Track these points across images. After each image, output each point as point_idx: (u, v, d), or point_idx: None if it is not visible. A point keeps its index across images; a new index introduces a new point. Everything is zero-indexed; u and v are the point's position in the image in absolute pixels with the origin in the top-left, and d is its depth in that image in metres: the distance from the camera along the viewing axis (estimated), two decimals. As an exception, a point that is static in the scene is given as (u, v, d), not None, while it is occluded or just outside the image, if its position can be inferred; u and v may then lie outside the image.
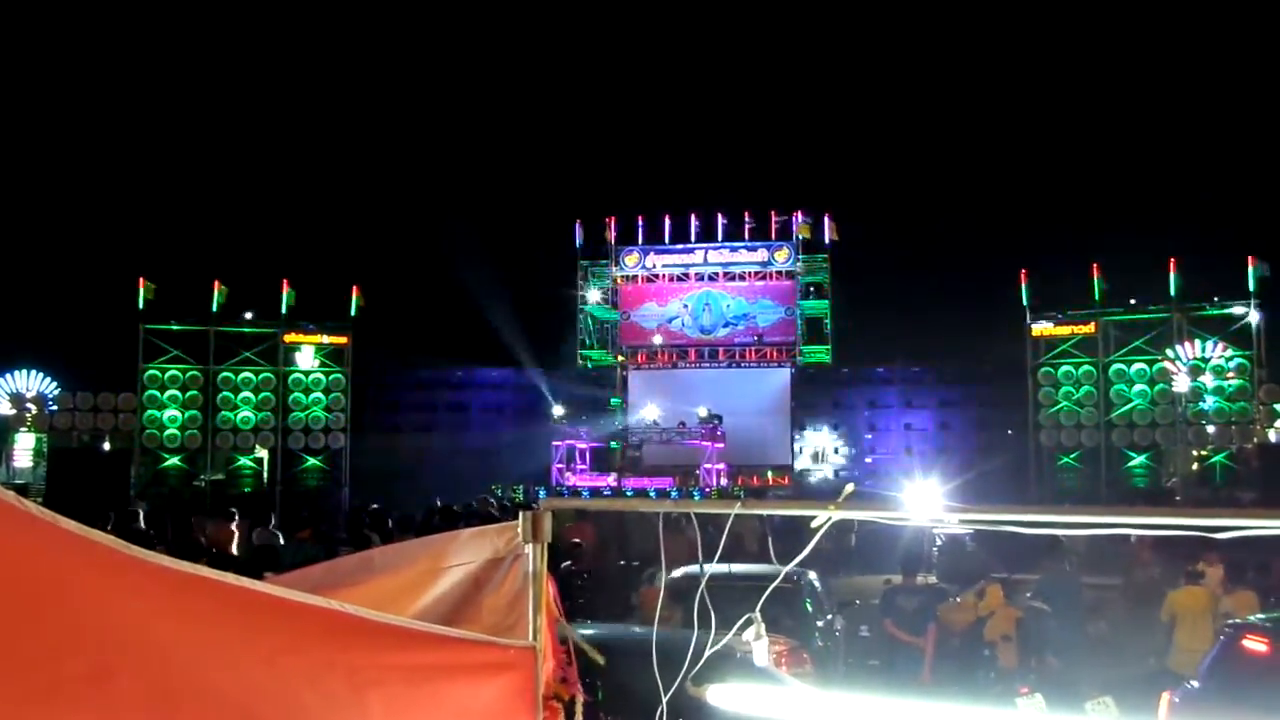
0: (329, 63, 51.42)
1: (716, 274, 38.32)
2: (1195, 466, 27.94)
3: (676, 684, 2.83)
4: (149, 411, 28.80)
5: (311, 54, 51.25)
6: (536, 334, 37.89)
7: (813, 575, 11.29)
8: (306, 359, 30.40)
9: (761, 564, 9.23)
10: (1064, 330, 28.95)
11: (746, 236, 38.17)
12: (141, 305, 28.65)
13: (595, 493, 29.79)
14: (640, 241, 38.63)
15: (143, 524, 14.65)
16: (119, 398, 28.81)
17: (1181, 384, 26.89)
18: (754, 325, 37.97)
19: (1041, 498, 26.87)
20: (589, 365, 38.82)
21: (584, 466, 31.94)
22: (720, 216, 38.01)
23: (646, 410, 33.58)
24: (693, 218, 38.27)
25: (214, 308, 29.42)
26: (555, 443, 32.08)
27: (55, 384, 30.44)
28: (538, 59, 54.49)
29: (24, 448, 29.21)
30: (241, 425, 29.69)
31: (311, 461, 30.32)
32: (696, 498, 27.41)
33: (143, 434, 28.66)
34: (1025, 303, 29.18)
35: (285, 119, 47.90)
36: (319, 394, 30.34)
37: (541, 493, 27.70)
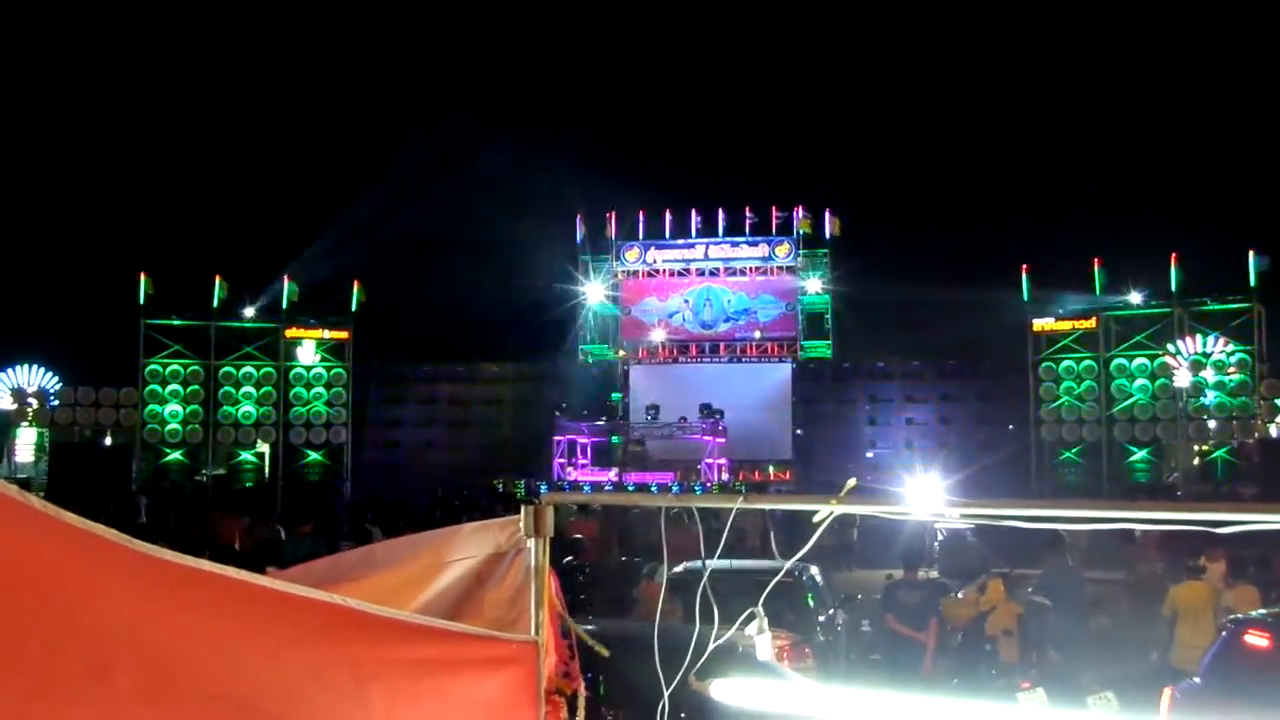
0: (329, 57, 51.38)
1: (717, 269, 38.29)
2: (1196, 461, 27.97)
3: (678, 678, 2.83)
4: (150, 406, 28.84)
5: (312, 49, 51.22)
6: (537, 329, 37.90)
7: (815, 570, 11.29)
8: (308, 354, 30.43)
9: (764, 559, 9.24)
10: (1065, 325, 28.97)
11: (747, 231, 38.12)
12: (142, 300, 28.68)
13: (597, 487, 29.82)
14: (641, 236, 38.58)
15: (144, 518, 14.70)
16: (120, 393, 28.85)
17: (1182, 379, 26.89)
18: (755, 320, 37.94)
19: (1042, 493, 26.88)
20: (590, 360, 38.80)
21: (585, 461, 31.96)
22: (721, 212, 37.95)
23: (648, 405, 33.56)
24: (694, 213, 38.23)
25: (215, 303, 29.44)
26: (556, 437, 32.09)
27: (57, 379, 30.48)
28: (538, 55, 54.41)
29: (26, 443, 29.25)
30: (243, 420, 29.73)
31: (313, 456, 30.36)
32: (698, 492, 27.42)
33: (144, 429, 28.68)
34: (1026, 298, 29.19)
35: (286, 113, 47.88)
36: (320, 389, 30.37)
37: (543, 488, 27.73)
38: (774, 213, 37.84)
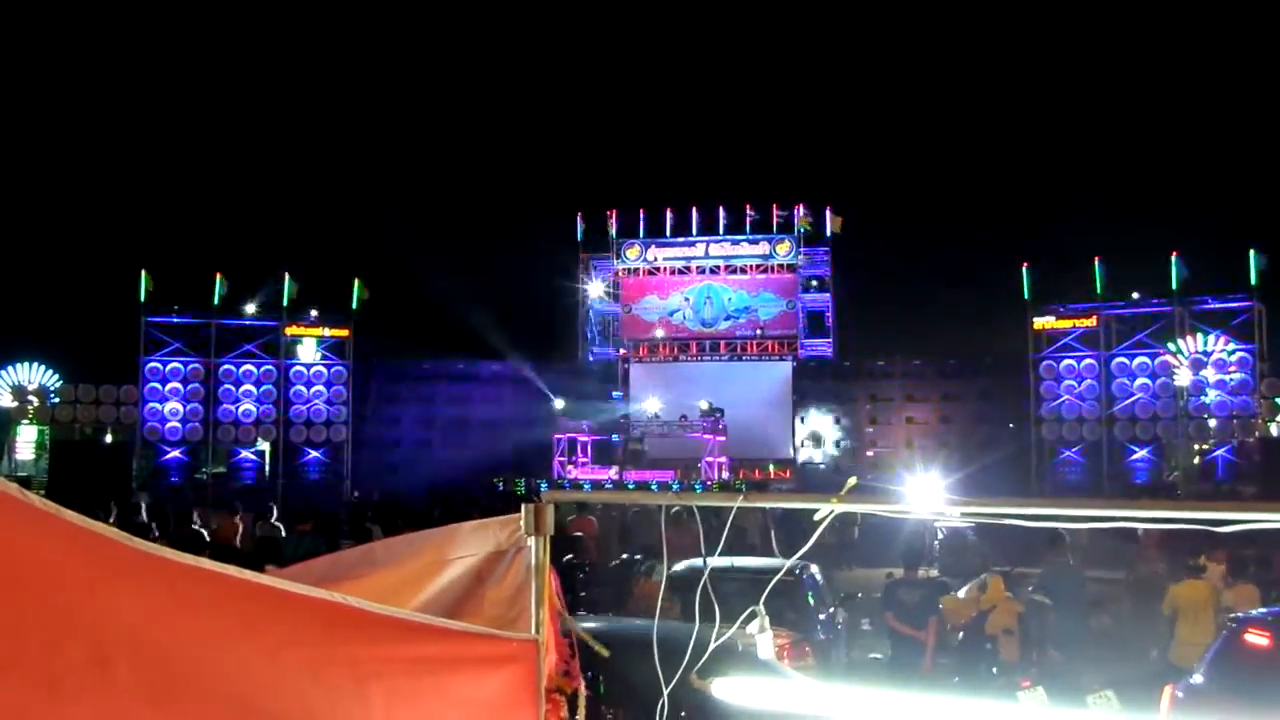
0: (332, 56, 51.37)
1: (718, 267, 38.30)
2: (1197, 461, 27.95)
3: (677, 677, 2.83)
4: (150, 404, 28.82)
5: (314, 47, 51.23)
6: (538, 327, 37.96)
7: (815, 568, 11.29)
8: (308, 352, 30.42)
9: (763, 557, 9.23)
10: (1065, 323, 28.95)
11: (748, 229, 38.13)
12: (143, 298, 28.66)
13: (597, 486, 29.81)
14: (642, 234, 38.59)
15: (144, 516, 14.69)
16: (120, 390, 28.84)
17: (1183, 378, 26.88)
18: (755, 318, 37.95)
19: (1043, 492, 26.88)
20: (590, 358, 38.80)
21: (586, 459, 31.94)
22: (722, 209, 37.97)
23: (648, 403, 33.56)
24: (694, 211, 38.25)
25: (215, 300, 29.43)
26: (556, 436, 32.09)
27: (57, 376, 30.47)
28: (540, 53, 54.41)
29: (26, 440, 29.25)
30: (243, 418, 29.71)
31: (313, 454, 30.34)
32: (698, 491, 27.42)
33: (144, 427, 28.68)
34: (1027, 296, 29.17)
35: (287, 112, 47.89)
36: (320, 387, 30.36)
37: (543, 486, 27.72)
38: (775, 211, 37.86)
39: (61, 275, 38.99)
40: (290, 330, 30.18)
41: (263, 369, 29.91)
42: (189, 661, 1.94)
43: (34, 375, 30.55)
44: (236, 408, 29.60)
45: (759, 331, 37.76)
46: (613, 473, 30.85)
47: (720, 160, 50.48)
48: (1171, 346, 27.10)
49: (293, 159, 45.36)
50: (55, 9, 49.42)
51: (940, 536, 17.14)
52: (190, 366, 29.23)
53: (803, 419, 36.35)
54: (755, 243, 37.99)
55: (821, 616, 10.69)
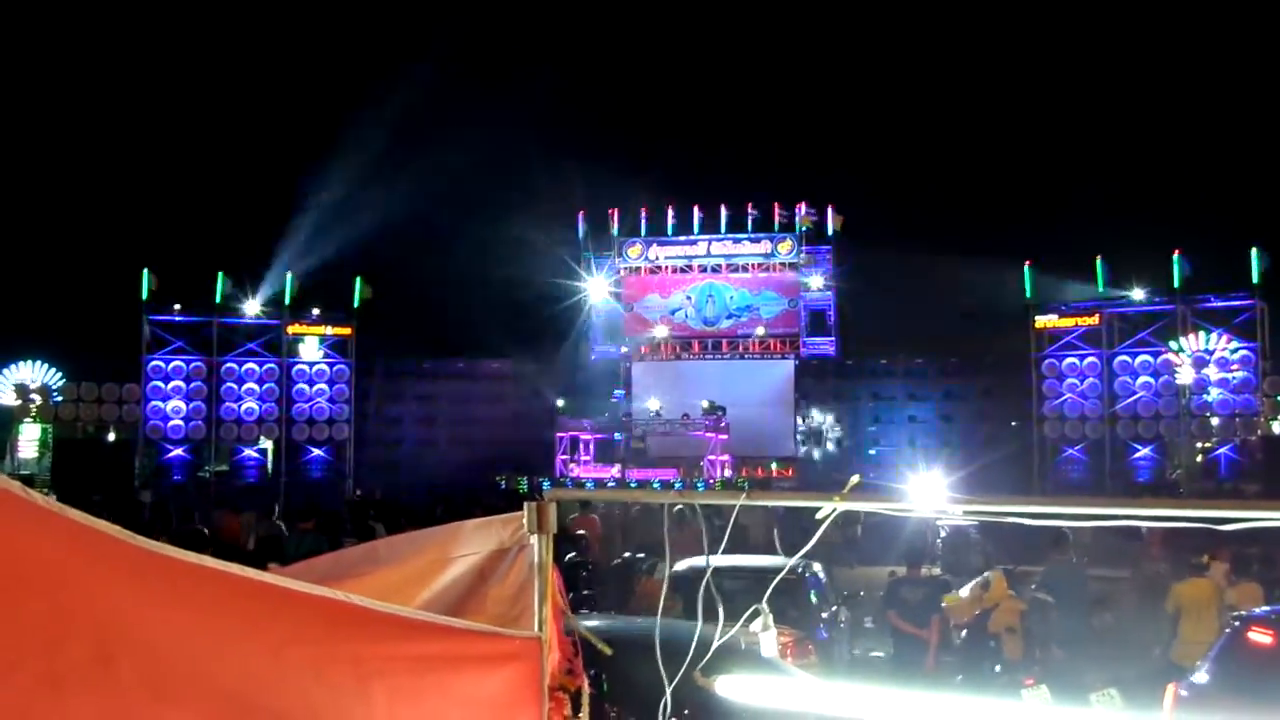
0: (332, 56, 51.37)
1: (720, 266, 38.28)
2: (1199, 459, 27.93)
3: (680, 675, 2.83)
4: (153, 402, 28.84)
5: (314, 46, 51.23)
6: (540, 325, 37.92)
7: (818, 567, 11.29)
8: (310, 350, 30.43)
9: (766, 555, 9.22)
10: (1067, 322, 28.92)
11: (750, 228, 38.11)
12: (145, 296, 28.66)
13: (599, 484, 29.83)
14: (644, 233, 38.58)
15: (147, 514, 14.70)
16: (123, 388, 28.85)
17: (1185, 376, 26.85)
18: (757, 317, 37.93)
19: (1045, 490, 26.87)
20: (592, 357, 38.80)
21: (588, 458, 31.95)
22: (724, 208, 37.95)
23: (650, 402, 33.56)
24: (696, 209, 38.23)
25: (218, 299, 29.44)
26: (559, 434, 32.10)
27: (59, 375, 30.51)
28: (541, 52, 54.40)
29: (29, 439, 29.30)
30: (245, 416, 29.72)
31: (315, 452, 30.36)
32: (701, 489, 27.43)
33: (146, 425, 28.70)
34: (1029, 294, 29.15)
35: (287, 110, 47.90)
36: (323, 385, 30.37)
37: (545, 484, 27.74)
38: (776, 209, 37.84)
39: (64, 274, 39.04)
40: (292, 329, 30.18)
41: (265, 367, 29.91)
42: (191, 659, 1.94)
43: (37, 373, 30.61)
44: (239, 406, 29.61)
45: (761, 330, 37.67)
46: (615, 471, 30.87)
47: (722, 159, 50.51)
48: (1174, 345, 27.07)
49: (293, 159, 45.40)
50: (56, 9, 49.46)
51: (943, 535, 17.14)
52: (193, 365, 29.24)
53: (804, 417, 36.36)
54: (757, 241, 37.97)
55: (824, 615, 10.70)
